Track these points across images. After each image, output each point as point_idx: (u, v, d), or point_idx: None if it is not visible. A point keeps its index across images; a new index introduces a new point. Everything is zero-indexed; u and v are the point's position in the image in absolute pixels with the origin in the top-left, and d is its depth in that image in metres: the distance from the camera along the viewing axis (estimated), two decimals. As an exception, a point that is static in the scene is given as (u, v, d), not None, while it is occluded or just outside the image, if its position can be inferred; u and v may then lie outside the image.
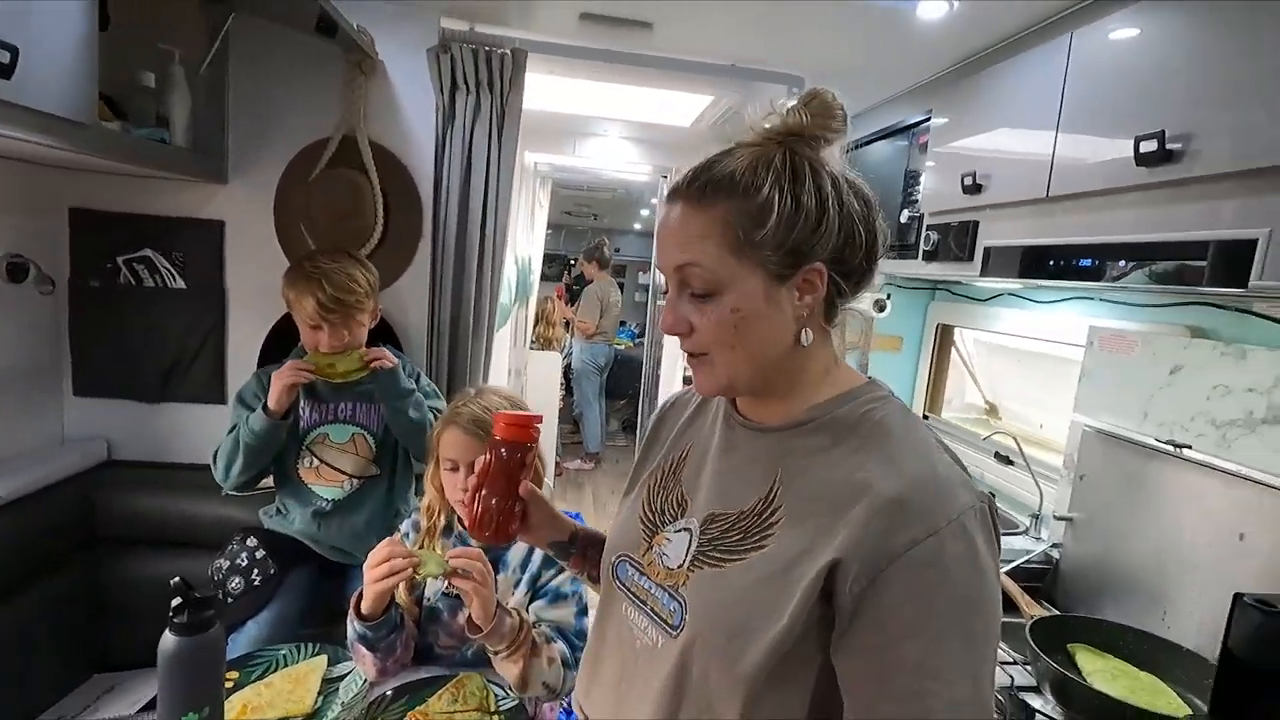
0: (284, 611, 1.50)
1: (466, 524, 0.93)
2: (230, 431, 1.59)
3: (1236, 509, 1.25)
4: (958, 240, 1.70)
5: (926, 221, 1.85)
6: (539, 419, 0.94)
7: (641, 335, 7.45)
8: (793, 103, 0.70)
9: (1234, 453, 1.27)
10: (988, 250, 1.59)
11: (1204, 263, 1.05)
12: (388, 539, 1.15)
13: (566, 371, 5.59)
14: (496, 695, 1.20)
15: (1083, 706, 1.13)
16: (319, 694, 1.16)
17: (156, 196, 1.81)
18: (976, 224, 1.64)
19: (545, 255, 5.13)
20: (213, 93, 1.71)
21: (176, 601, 0.94)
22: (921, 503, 0.61)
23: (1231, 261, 1.00)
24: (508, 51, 1.81)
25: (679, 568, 0.74)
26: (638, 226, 8.30)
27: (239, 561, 1.52)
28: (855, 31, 1.66)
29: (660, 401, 3.66)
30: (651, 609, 0.76)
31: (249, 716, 1.10)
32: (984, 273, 1.60)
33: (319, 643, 1.30)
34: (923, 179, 1.91)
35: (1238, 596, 1.00)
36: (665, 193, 0.78)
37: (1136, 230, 1.19)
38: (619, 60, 1.89)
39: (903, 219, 1.99)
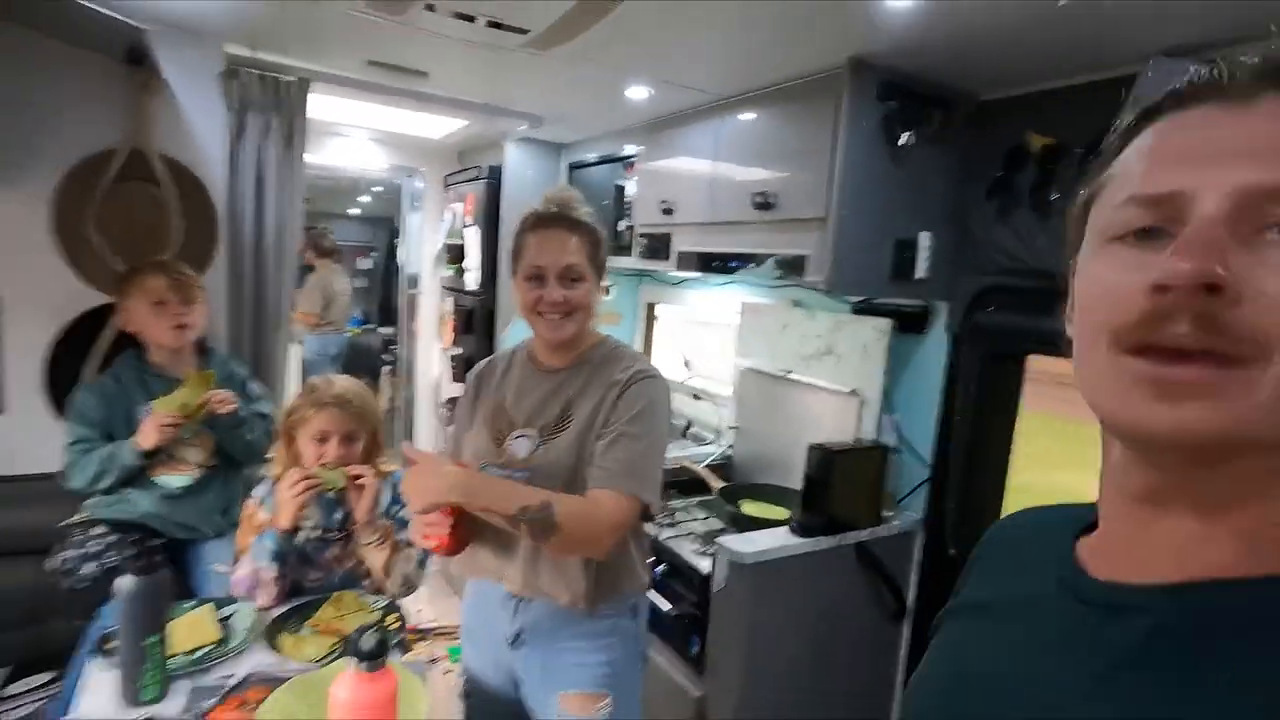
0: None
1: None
2: (74, 444, 1.66)
3: (815, 408, 2.20)
4: (657, 246, 2.45)
5: (637, 231, 2.57)
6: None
7: (368, 322, 7.34)
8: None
9: (812, 373, 2.22)
10: (680, 254, 2.36)
11: (784, 268, 1.90)
12: (296, 469, 1.49)
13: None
14: (369, 601, 1.59)
15: (745, 526, 1.96)
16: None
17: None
18: (670, 235, 2.40)
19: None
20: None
21: (132, 552, 1.20)
22: (639, 366, 1.32)
23: (796, 266, 1.85)
24: (294, 79, 2.06)
25: (529, 456, 1.32)
26: (354, 211, 8.04)
27: (90, 548, 1.59)
28: (583, 90, 2.24)
29: (435, 375, 3.98)
30: None
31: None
32: (677, 268, 2.37)
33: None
34: (632, 197, 2.63)
35: (811, 445, 1.88)
36: (531, 217, 1.35)
37: (756, 246, 2.02)
38: (396, 94, 2.23)
39: (620, 227, 2.70)
